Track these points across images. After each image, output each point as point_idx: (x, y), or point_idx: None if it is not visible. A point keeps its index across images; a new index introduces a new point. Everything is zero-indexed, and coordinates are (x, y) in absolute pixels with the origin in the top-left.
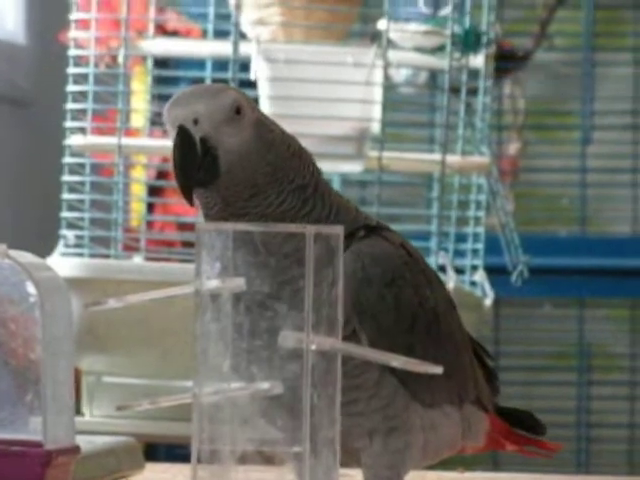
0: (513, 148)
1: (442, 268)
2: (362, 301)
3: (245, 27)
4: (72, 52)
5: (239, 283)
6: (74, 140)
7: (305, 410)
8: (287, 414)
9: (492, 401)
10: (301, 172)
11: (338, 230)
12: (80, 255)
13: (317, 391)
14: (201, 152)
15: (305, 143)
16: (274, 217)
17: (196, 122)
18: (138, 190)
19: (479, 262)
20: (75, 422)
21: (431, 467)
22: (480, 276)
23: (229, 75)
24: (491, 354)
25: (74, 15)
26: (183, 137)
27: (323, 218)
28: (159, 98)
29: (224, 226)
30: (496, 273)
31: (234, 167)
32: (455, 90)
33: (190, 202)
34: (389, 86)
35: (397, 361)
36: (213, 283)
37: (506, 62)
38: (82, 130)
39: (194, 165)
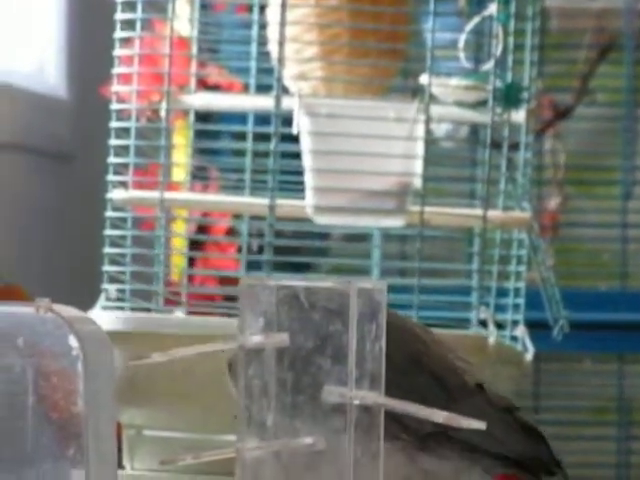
0: (553, 203)
1: (483, 323)
2: None
3: (287, 81)
4: (114, 106)
5: (283, 338)
6: (116, 194)
7: (348, 465)
8: (330, 469)
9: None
10: None
11: (382, 285)
12: (121, 309)
13: (360, 446)
14: None
15: (347, 198)
16: None
17: None
18: (179, 244)
19: (520, 317)
20: (117, 476)
21: None
22: (521, 331)
23: (271, 129)
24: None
25: (116, 69)
26: None
27: None
28: (201, 152)
29: (268, 281)
30: (537, 328)
31: None
32: (496, 145)
33: None
34: (430, 140)
35: (439, 416)
36: (257, 338)
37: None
38: (124, 184)
39: None
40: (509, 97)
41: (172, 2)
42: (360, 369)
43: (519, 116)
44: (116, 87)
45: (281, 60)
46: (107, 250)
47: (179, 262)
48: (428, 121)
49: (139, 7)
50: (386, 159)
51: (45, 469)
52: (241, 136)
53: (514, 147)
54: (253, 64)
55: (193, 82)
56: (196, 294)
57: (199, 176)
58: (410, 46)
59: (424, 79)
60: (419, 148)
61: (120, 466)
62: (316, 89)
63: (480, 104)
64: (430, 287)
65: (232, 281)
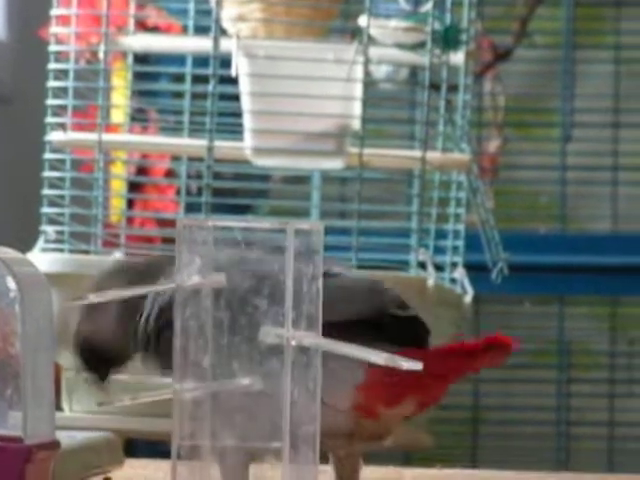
0: (493, 145)
1: (422, 265)
2: None
3: (226, 23)
4: (52, 48)
5: (219, 279)
6: (54, 136)
7: (285, 405)
8: (267, 410)
9: None
10: None
11: (319, 225)
12: (60, 251)
13: (297, 387)
14: None
15: (285, 140)
16: None
17: None
18: (118, 186)
19: (459, 259)
20: (55, 417)
21: (407, 464)
22: (460, 273)
23: (209, 71)
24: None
25: (54, 11)
26: None
27: None
28: (139, 94)
29: (205, 222)
30: (476, 270)
31: None
32: (435, 87)
33: None
34: (369, 82)
35: (379, 357)
36: (193, 279)
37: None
38: (62, 126)
39: None
40: (448, 39)
41: None
42: (297, 310)
43: (458, 58)
44: (55, 29)
45: (219, 1)
46: (46, 192)
47: (118, 204)
48: (367, 63)
49: None
50: (325, 101)
51: None
52: (180, 78)
53: (453, 89)
54: (192, 6)
55: (132, 24)
56: (135, 236)
57: (138, 118)
58: None
59: (363, 21)
60: (358, 90)
61: (58, 408)
62: (255, 31)
63: (419, 46)
64: (369, 229)
65: (171, 223)
